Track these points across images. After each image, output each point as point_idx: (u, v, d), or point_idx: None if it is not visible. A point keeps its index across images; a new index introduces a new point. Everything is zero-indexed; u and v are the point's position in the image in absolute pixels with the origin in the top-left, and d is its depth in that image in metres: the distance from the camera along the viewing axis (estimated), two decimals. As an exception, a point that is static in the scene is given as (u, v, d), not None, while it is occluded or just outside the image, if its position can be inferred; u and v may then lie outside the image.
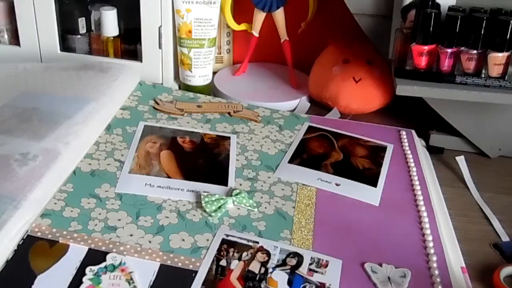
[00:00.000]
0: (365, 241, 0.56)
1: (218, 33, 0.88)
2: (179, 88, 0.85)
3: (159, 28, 0.80)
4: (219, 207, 0.57)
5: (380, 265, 0.52)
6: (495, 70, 0.68)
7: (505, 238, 0.61)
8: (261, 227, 0.56)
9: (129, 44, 0.86)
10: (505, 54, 0.67)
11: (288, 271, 0.51)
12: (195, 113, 0.75)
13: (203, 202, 0.57)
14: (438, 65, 0.70)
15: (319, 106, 0.85)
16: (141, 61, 0.83)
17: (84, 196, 0.57)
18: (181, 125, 0.72)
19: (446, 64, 0.70)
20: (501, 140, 0.74)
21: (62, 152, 0.59)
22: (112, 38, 0.85)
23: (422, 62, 0.71)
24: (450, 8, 0.71)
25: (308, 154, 0.70)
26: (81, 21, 0.85)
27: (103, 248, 0.51)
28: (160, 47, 0.81)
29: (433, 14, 0.68)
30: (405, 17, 0.76)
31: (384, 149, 0.72)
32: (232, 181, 0.63)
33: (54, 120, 0.63)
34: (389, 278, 0.51)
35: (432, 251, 0.55)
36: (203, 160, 0.66)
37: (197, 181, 0.62)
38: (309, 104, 0.86)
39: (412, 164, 0.69)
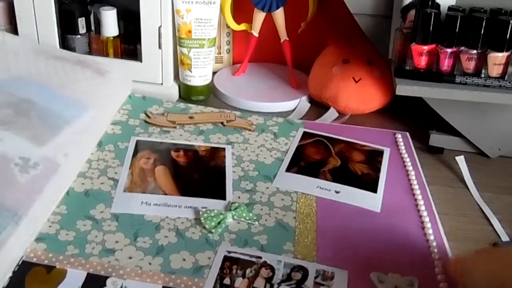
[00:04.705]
0: (369, 249, 0.55)
1: (218, 33, 0.87)
2: (179, 88, 0.85)
3: (159, 28, 0.80)
4: (219, 223, 0.56)
5: (387, 274, 0.51)
6: (495, 70, 0.68)
7: (505, 238, 0.60)
8: (263, 241, 0.55)
9: (129, 44, 0.86)
10: (505, 54, 0.67)
11: (294, 286, 0.50)
12: (187, 125, 0.74)
13: (202, 218, 0.56)
14: (438, 65, 0.70)
15: (319, 106, 0.85)
16: (141, 61, 0.83)
17: (79, 218, 0.56)
18: (174, 138, 0.71)
19: (446, 64, 0.70)
20: (501, 140, 0.74)
21: (61, 164, 0.58)
22: (112, 38, 0.85)
23: (422, 62, 0.71)
24: (450, 8, 0.71)
25: (305, 162, 0.69)
26: (81, 21, 0.85)
27: (102, 273, 0.49)
28: (160, 47, 0.81)
29: (432, 14, 0.68)
30: (404, 17, 0.76)
31: (381, 153, 0.72)
32: (230, 194, 0.62)
33: (54, 123, 0.62)
34: (396, 287, 0.50)
35: (437, 256, 0.55)
36: (199, 174, 0.65)
37: (195, 196, 0.61)
38: (309, 104, 0.86)
39: (410, 168, 0.69)
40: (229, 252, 0.53)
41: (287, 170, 0.67)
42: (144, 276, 0.50)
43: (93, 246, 0.52)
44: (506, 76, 0.68)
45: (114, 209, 0.57)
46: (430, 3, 0.71)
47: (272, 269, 0.51)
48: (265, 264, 0.52)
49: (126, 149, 0.67)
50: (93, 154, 0.66)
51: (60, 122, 0.62)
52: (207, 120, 0.76)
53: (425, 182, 0.67)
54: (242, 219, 0.58)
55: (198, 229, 0.56)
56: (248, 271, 0.51)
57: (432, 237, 0.57)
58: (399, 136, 0.76)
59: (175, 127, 0.73)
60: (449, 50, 0.69)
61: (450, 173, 0.72)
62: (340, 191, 0.64)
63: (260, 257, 0.53)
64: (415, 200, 0.63)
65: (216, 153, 0.69)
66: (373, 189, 0.65)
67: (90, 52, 0.87)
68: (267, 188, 0.64)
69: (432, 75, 0.70)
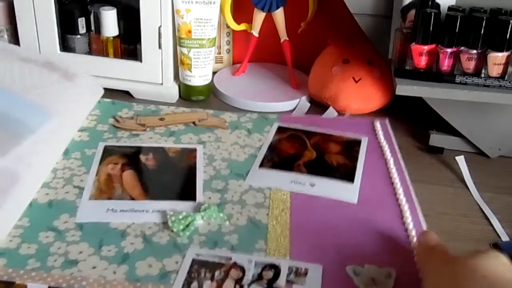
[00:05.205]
0: (345, 242, 0.54)
1: (218, 33, 0.87)
2: (179, 88, 0.85)
3: (159, 28, 0.80)
4: (187, 225, 0.54)
5: (363, 266, 0.50)
6: (495, 70, 0.68)
7: (505, 238, 0.60)
8: (234, 241, 0.54)
9: (129, 44, 0.86)
10: (505, 54, 0.67)
11: (265, 285, 0.48)
12: (158, 127, 0.73)
13: (169, 221, 0.55)
14: (438, 65, 0.70)
15: (319, 106, 0.85)
16: (141, 61, 0.83)
17: (41, 230, 0.54)
18: (144, 141, 0.70)
19: (446, 64, 0.70)
20: (501, 140, 0.74)
21: (23, 176, 0.55)
22: (112, 38, 0.85)
23: (422, 62, 0.71)
24: (450, 8, 0.71)
25: (279, 156, 0.68)
26: (81, 21, 0.85)
27: (64, 285, 0.47)
28: (160, 47, 0.81)
29: (432, 14, 0.68)
30: (404, 17, 0.76)
31: (358, 142, 0.71)
32: (200, 195, 0.60)
33: (16, 131, 0.59)
34: (373, 279, 0.49)
35: (416, 245, 0.53)
36: (168, 176, 0.63)
37: (163, 199, 0.59)
38: (309, 104, 0.86)
39: (389, 156, 0.68)
40: (197, 255, 0.51)
41: (260, 166, 0.66)
42: (108, 286, 0.48)
43: (55, 258, 0.50)
44: (506, 76, 0.68)
45: (78, 219, 0.56)
46: (430, 3, 0.71)
47: (242, 269, 0.49)
48: (235, 265, 0.50)
49: (94, 156, 0.65)
50: (59, 162, 0.64)
51: (23, 130, 0.60)
52: (179, 121, 0.74)
53: (404, 169, 0.66)
54: (212, 219, 0.56)
55: (166, 233, 0.54)
56: (217, 273, 0.49)
57: (411, 226, 0.56)
58: (377, 124, 0.74)
59: (145, 130, 0.72)
60: (449, 50, 0.69)
61: (450, 173, 0.72)
62: (315, 183, 0.63)
63: (230, 258, 0.51)
64: (394, 188, 0.62)
65: (187, 154, 0.67)
66: (350, 179, 0.64)
67: (90, 52, 0.87)
68: (240, 186, 0.62)
69: (432, 75, 0.70)
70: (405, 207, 0.58)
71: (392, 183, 0.63)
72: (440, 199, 0.65)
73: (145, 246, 0.53)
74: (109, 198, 0.59)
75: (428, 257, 0.48)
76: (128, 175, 0.63)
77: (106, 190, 0.60)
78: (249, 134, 0.72)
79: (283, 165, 0.66)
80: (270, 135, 0.72)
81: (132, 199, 0.59)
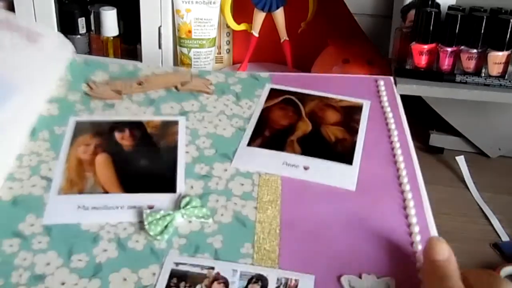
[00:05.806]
0: (341, 245, 0.47)
1: (218, 33, 0.87)
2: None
3: (159, 28, 0.80)
4: (166, 227, 0.47)
5: (360, 276, 0.45)
6: (495, 69, 0.68)
7: (505, 238, 0.60)
8: (218, 244, 0.46)
9: (129, 44, 0.86)
10: (505, 53, 0.67)
11: None
12: (136, 93, 0.61)
13: (145, 223, 0.47)
14: (438, 64, 0.70)
15: (319, 106, 0.85)
16: (141, 61, 0.83)
17: (5, 236, 0.45)
18: (119, 113, 0.58)
19: (446, 63, 0.70)
20: (501, 140, 0.74)
21: None
22: (112, 38, 0.85)
23: (422, 61, 0.70)
24: (450, 7, 0.70)
25: (270, 130, 0.58)
26: (81, 21, 0.86)
27: None
28: (160, 47, 0.81)
29: (433, 13, 0.68)
30: (404, 17, 0.76)
31: (360, 109, 0.61)
32: (181, 184, 0.51)
33: None
34: None
35: (419, 247, 0.46)
36: (146, 160, 0.54)
37: (140, 191, 0.50)
38: (309, 104, 0.86)
39: (393, 126, 0.58)
40: (176, 264, 0.45)
41: (249, 143, 0.56)
42: None
43: (20, 272, 0.43)
44: (506, 75, 0.68)
45: (46, 220, 0.47)
46: (430, 2, 0.71)
47: (226, 283, 0.44)
48: (218, 277, 0.44)
49: (64, 135, 0.55)
50: (26, 145, 0.53)
51: None
52: (159, 85, 0.63)
53: (410, 145, 0.56)
54: (194, 217, 0.49)
55: (143, 235, 0.47)
56: (197, 287, 0.43)
57: (414, 220, 0.48)
58: (381, 83, 0.64)
59: (121, 98, 0.60)
60: (449, 49, 0.69)
61: (450, 173, 0.71)
62: (309, 166, 0.54)
63: (213, 268, 0.44)
64: (397, 170, 0.53)
65: (168, 129, 0.57)
66: (348, 159, 0.54)
67: (90, 52, 0.87)
68: (225, 170, 0.53)
69: (432, 74, 0.70)
70: (409, 196, 0.50)
71: (396, 163, 0.54)
72: (440, 199, 0.65)
73: (119, 254, 0.45)
74: (80, 192, 0.49)
75: (435, 278, 0.42)
76: (101, 160, 0.53)
77: (77, 181, 0.50)
78: (238, 100, 0.62)
79: (275, 141, 0.57)
80: (261, 101, 0.62)
81: (105, 191, 0.50)
